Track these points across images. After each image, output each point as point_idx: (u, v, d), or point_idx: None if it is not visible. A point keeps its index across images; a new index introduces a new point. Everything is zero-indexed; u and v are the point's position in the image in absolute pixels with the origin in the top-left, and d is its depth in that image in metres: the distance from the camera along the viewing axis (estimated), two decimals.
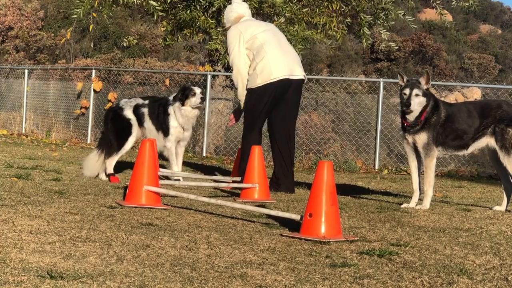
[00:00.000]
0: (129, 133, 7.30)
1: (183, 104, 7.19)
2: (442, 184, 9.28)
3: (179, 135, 7.29)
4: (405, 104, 6.05)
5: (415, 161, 6.29)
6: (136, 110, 7.31)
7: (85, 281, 3.04)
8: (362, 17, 12.22)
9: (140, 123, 7.33)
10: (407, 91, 6.08)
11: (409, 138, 6.19)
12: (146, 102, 7.38)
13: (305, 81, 7.37)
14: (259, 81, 7.01)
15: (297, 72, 7.16)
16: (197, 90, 7.32)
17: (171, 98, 7.34)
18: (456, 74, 50.23)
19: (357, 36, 12.71)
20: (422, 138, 6.14)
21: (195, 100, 7.22)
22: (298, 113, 7.46)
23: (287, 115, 7.18)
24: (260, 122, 7.14)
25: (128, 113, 7.32)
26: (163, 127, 7.25)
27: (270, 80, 7.00)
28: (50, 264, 3.30)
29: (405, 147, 6.34)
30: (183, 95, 7.22)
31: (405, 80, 6.17)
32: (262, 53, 7.02)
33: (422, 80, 6.10)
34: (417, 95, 6.06)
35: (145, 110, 7.30)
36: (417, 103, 6.06)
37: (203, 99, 7.33)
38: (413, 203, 6.24)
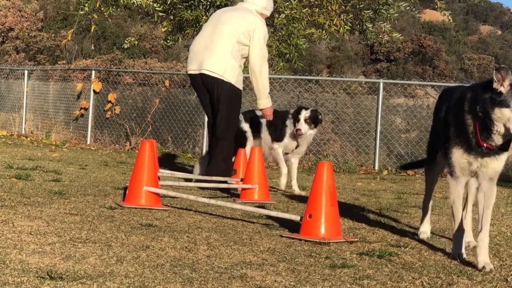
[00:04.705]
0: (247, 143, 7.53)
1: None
2: (443, 185, 9.27)
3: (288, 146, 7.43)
4: None
5: (463, 190, 4.23)
6: (252, 121, 7.54)
7: (85, 282, 3.04)
8: (363, 13, 12.21)
9: (257, 133, 7.53)
10: None
11: (475, 162, 4.06)
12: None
13: (216, 77, 6.90)
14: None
15: (205, 67, 6.92)
16: (304, 113, 7.24)
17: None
18: (456, 75, 50.20)
19: (360, 32, 12.66)
20: (501, 162, 4.08)
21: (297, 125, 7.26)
22: (225, 111, 6.95)
23: (215, 113, 7.04)
24: (207, 114, 7.21)
25: (245, 126, 7.48)
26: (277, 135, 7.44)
27: (188, 72, 7.20)
28: (50, 265, 3.30)
29: (461, 170, 4.13)
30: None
31: (508, 83, 3.84)
32: None
33: None
34: None
35: (263, 121, 7.46)
36: None
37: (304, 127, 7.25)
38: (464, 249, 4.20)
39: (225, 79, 6.89)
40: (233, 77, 6.92)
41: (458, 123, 4.08)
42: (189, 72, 7.11)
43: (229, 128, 6.99)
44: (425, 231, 4.80)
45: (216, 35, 6.96)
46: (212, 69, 6.89)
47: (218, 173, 6.81)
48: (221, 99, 6.94)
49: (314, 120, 7.21)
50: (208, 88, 6.98)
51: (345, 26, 12.17)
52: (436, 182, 4.98)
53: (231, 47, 6.91)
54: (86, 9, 11.77)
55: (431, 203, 4.90)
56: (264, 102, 7.10)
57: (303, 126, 7.14)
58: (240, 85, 7.04)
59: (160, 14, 11.82)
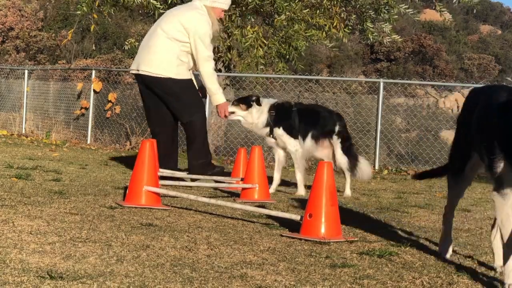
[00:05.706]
0: None
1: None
2: (443, 185, 9.28)
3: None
4: None
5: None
6: None
7: (85, 281, 3.04)
8: (365, 13, 12.23)
9: None
10: None
11: None
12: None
13: (153, 76, 6.96)
14: None
15: (142, 68, 6.99)
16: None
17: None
18: (456, 75, 50.18)
19: (360, 32, 12.67)
20: None
21: None
22: (175, 106, 7.01)
23: (171, 111, 7.06)
24: (147, 119, 7.33)
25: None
26: None
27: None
28: (50, 265, 3.30)
29: None
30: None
31: None
32: None
33: None
34: None
35: None
36: None
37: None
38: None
39: (161, 76, 6.94)
40: (170, 71, 6.93)
41: None
42: (130, 71, 7.29)
43: (191, 120, 7.01)
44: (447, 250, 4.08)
45: (153, 35, 7.07)
46: (147, 69, 6.97)
47: (198, 171, 6.95)
48: (166, 96, 7.00)
49: (244, 102, 7.16)
50: (150, 88, 7.04)
51: (345, 30, 12.18)
52: (462, 197, 4.16)
53: (166, 45, 6.95)
54: (84, 9, 11.79)
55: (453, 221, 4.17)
56: (215, 98, 7.04)
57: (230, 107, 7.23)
58: (184, 76, 6.99)
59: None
